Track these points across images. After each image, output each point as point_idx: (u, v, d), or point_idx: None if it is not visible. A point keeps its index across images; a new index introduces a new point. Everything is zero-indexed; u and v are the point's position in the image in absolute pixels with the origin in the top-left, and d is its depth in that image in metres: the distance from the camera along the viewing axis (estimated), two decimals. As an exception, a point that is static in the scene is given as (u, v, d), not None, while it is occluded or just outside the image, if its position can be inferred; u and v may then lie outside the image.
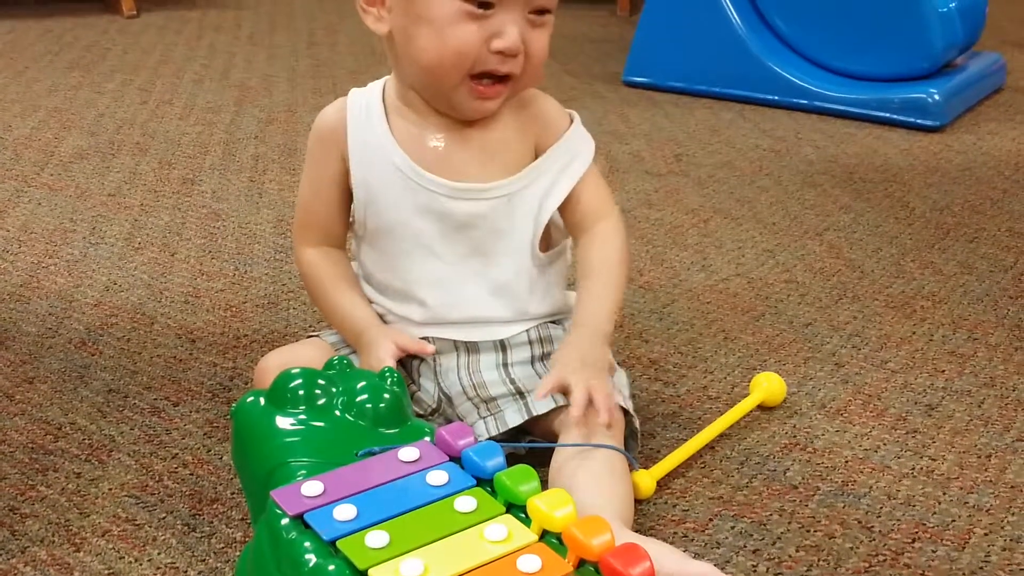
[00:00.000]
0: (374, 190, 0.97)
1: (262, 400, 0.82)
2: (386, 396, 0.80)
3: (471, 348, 0.99)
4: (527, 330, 1.00)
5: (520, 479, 0.71)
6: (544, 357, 1.00)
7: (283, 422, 0.79)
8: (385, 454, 0.76)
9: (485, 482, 0.73)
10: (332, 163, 0.99)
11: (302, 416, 0.79)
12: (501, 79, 0.91)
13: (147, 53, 2.62)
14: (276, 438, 0.78)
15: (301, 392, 0.80)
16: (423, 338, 0.99)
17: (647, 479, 0.94)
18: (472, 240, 0.97)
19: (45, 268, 1.39)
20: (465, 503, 0.70)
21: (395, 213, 0.97)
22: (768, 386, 1.10)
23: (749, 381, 1.14)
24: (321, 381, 0.81)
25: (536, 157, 0.97)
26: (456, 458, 0.76)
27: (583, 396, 0.88)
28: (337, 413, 0.80)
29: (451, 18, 0.88)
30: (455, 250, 0.97)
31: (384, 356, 0.95)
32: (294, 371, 0.82)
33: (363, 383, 0.81)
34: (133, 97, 2.22)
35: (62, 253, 1.44)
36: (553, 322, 1.02)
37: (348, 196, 1.00)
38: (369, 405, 0.79)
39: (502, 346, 0.99)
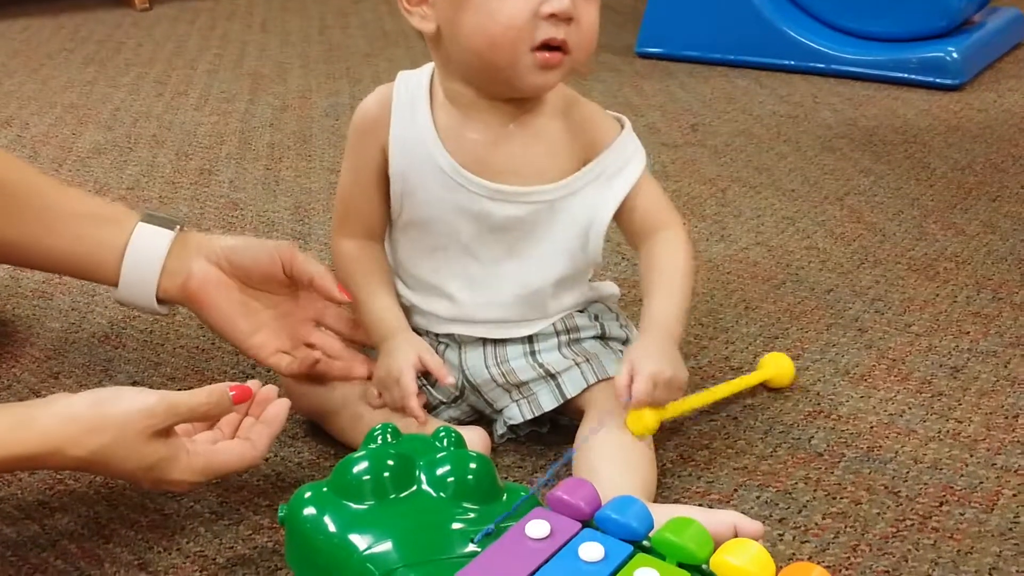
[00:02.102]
0: (412, 184, 0.95)
1: (324, 491, 0.73)
2: (473, 465, 0.73)
3: (497, 341, 0.98)
4: (553, 323, 0.99)
5: (687, 534, 0.65)
6: (571, 343, 0.99)
7: (364, 518, 0.70)
8: (509, 534, 0.68)
9: (636, 543, 0.67)
10: (373, 155, 0.96)
11: (382, 506, 0.71)
12: (559, 47, 0.87)
13: (161, 45, 2.62)
14: (367, 541, 0.69)
15: (367, 477, 0.72)
16: (448, 335, 0.99)
17: (651, 417, 0.88)
18: (508, 242, 0.95)
19: (67, 264, 1.40)
20: None
21: (432, 209, 0.95)
22: (776, 365, 1.06)
23: (771, 350, 1.14)
24: (390, 461, 0.73)
25: (583, 164, 0.95)
26: (587, 521, 0.69)
27: (647, 388, 0.86)
28: (430, 493, 0.72)
29: None
30: (491, 251, 0.95)
31: (404, 366, 0.93)
32: (356, 455, 0.74)
33: (442, 455, 0.74)
34: (148, 90, 2.23)
35: (83, 248, 1.45)
36: (579, 311, 1.01)
37: (388, 188, 0.97)
38: (456, 478, 0.72)
39: (529, 338, 0.98)
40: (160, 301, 0.99)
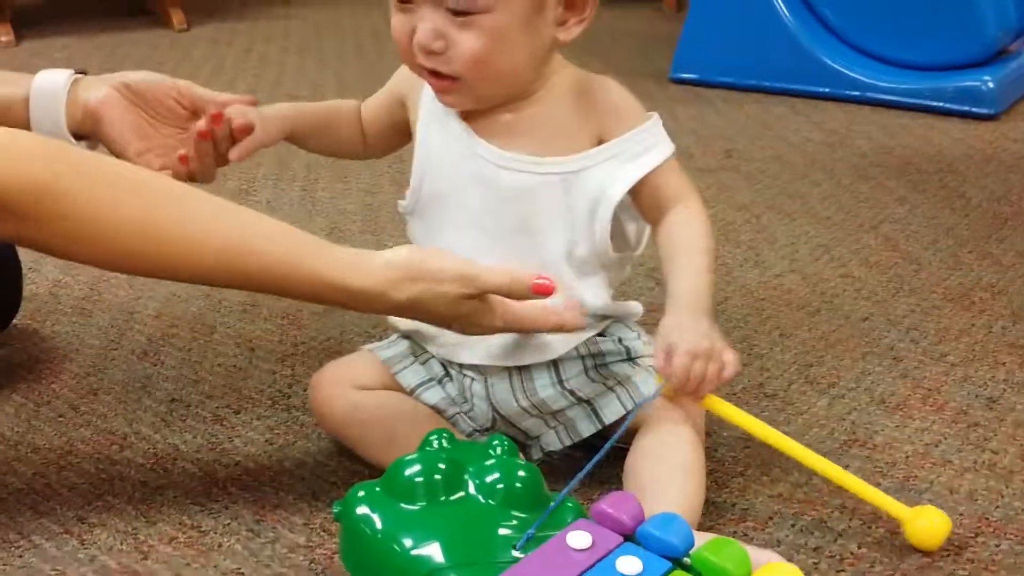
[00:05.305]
0: (432, 154, 0.97)
1: (377, 490, 0.76)
2: (522, 474, 0.75)
3: (523, 370, 0.98)
4: (576, 347, 0.97)
5: (726, 555, 0.66)
6: (597, 367, 0.98)
7: (413, 519, 0.73)
8: (551, 543, 0.69)
9: (675, 560, 0.67)
10: (396, 101, 1.04)
11: (431, 508, 0.74)
12: (448, 77, 0.90)
13: (199, 66, 2.65)
14: (413, 541, 0.71)
15: (420, 479, 0.74)
16: (472, 365, 0.98)
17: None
18: (518, 215, 0.95)
19: (106, 281, 1.42)
20: None
21: (447, 181, 0.97)
22: (929, 518, 0.89)
23: (806, 378, 1.14)
24: (442, 465, 0.75)
25: (597, 145, 0.95)
26: (629, 535, 0.70)
27: (685, 362, 0.84)
28: (479, 499, 0.74)
29: (392, 8, 0.91)
30: (501, 224, 0.95)
31: None
32: (409, 457, 0.76)
33: (492, 461, 0.76)
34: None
35: (122, 266, 1.46)
36: (600, 335, 0.99)
37: (387, 126, 1.06)
38: (505, 486, 0.73)
39: (554, 364, 0.98)
40: (75, 137, 1.01)
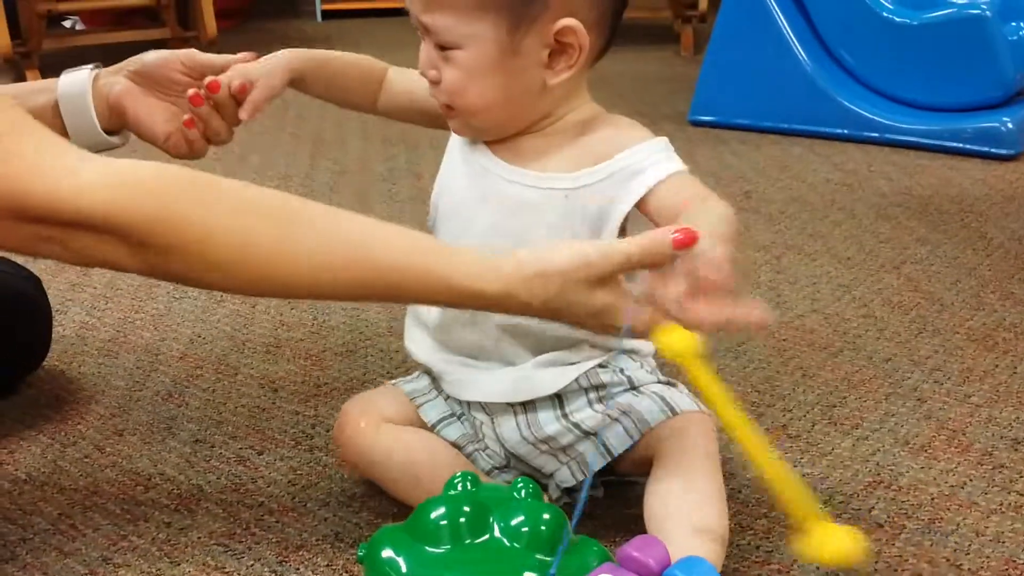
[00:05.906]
0: (451, 166, 1.00)
1: (402, 533, 0.76)
2: (546, 516, 0.75)
3: (528, 407, 0.98)
4: (576, 379, 0.97)
5: None
6: (600, 400, 0.98)
7: (438, 562, 0.74)
8: None
9: None
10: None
11: (456, 551, 0.74)
12: (445, 104, 0.94)
13: (223, 110, 2.68)
14: None
15: (445, 522, 0.75)
16: (478, 403, 0.99)
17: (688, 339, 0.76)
18: (522, 231, 0.94)
19: (131, 323, 1.43)
20: None
21: (460, 194, 0.98)
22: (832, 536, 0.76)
23: (830, 419, 1.14)
24: (466, 507, 0.76)
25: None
26: None
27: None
28: (503, 542, 0.74)
29: None
30: (506, 240, 0.94)
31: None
32: (434, 500, 0.77)
33: (516, 504, 0.76)
34: (209, 155, 2.27)
35: (147, 308, 1.48)
36: (601, 366, 0.98)
37: (412, 106, 1.07)
38: (530, 528, 0.74)
39: (558, 398, 0.98)
40: (107, 132, 1.04)
